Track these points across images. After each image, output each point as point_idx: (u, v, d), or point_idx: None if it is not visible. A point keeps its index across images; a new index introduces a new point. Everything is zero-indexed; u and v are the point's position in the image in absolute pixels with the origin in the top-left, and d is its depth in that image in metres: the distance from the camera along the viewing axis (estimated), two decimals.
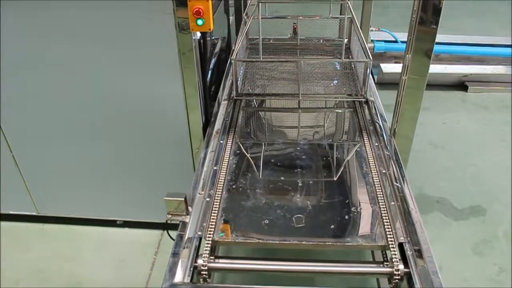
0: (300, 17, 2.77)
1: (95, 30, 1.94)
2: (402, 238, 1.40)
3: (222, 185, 1.67)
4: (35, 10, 1.90)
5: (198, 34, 1.96)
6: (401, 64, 1.81)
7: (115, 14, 1.90)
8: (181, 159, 2.26)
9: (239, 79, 2.32)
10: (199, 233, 1.43)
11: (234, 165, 1.81)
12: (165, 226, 1.59)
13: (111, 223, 2.65)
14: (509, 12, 6.10)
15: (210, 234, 1.43)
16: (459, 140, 3.52)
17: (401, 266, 1.32)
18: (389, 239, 1.41)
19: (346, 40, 2.76)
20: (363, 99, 2.20)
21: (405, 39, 1.75)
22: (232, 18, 2.96)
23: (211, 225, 1.47)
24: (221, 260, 1.40)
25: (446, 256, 2.48)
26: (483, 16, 6.08)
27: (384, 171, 1.72)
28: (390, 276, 1.34)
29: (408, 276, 1.30)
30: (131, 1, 1.85)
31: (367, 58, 2.12)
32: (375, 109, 2.11)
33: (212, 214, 1.52)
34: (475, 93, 4.23)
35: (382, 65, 4.30)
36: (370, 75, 2.19)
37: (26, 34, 1.98)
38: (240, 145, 1.95)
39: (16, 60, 2.05)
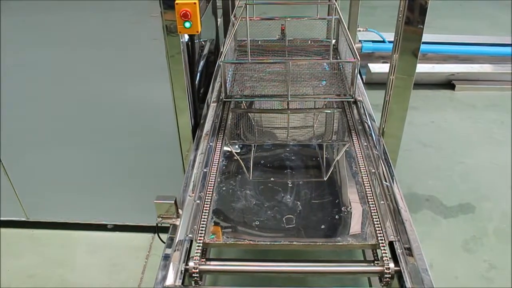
0: (288, 19, 2.78)
1: (81, 33, 1.94)
2: (392, 236, 1.41)
3: (212, 187, 1.67)
4: (25, 13, 1.90)
5: (186, 37, 1.96)
6: (389, 64, 1.82)
7: (101, 16, 1.89)
8: (171, 162, 2.26)
9: (228, 81, 2.32)
10: (190, 235, 1.42)
11: (224, 167, 1.81)
12: (156, 229, 1.58)
13: (102, 227, 2.64)
14: (496, 13, 6.18)
15: (201, 236, 1.43)
16: (447, 139, 3.55)
17: (392, 265, 1.33)
18: (379, 238, 1.42)
19: (334, 41, 2.78)
20: (352, 99, 2.22)
21: (393, 39, 1.76)
22: (220, 20, 2.96)
23: (202, 227, 1.47)
24: (212, 262, 1.40)
25: (436, 254, 2.50)
26: (469, 16, 6.15)
27: (373, 170, 1.73)
28: (381, 274, 1.35)
29: (399, 274, 1.31)
30: (118, 2, 1.85)
31: (354, 59, 2.13)
32: (364, 109, 2.12)
33: (203, 216, 1.52)
34: (462, 91, 4.27)
35: (370, 65, 4.33)
36: (358, 75, 2.20)
37: (13, 39, 1.96)
38: (230, 146, 1.95)
39: (4, 64, 2.04)
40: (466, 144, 3.48)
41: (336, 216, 1.54)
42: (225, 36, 2.89)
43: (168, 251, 1.38)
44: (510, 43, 4.50)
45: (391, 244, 1.39)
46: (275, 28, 2.84)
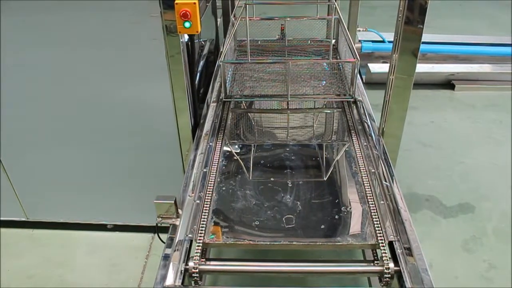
0: (288, 18, 2.78)
1: (81, 33, 1.94)
2: (392, 236, 1.41)
3: (212, 187, 1.67)
4: (25, 13, 1.90)
5: (186, 37, 1.96)
6: (389, 64, 1.83)
7: (101, 16, 1.90)
8: (171, 162, 2.26)
9: (227, 81, 2.32)
10: (190, 235, 1.42)
11: (223, 167, 1.81)
12: (156, 229, 1.58)
13: (102, 227, 2.64)
14: (496, 13, 6.18)
15: (200, 236, 1.43)
16: (447, 139, 3.55)
17: (391, 265, 1.33)
18: (379, 238, 1.42)
19: (333, 41, 2.77)
20: (352, 99, 2.22)
21: (393, 39, 1.76)
22: (220, 20, 2.96)
23: (202, 227, 1.47)
24: (212, 262, 1.40)
25: (436, 254, 2.50)
26: (469, 16, 6.15)
27: (373, 170, 1.73)
28: (380, 274, 1.35)
29: (399, 274, 1.31)
30: (118, 2, 1.85)
31: (354, 59, 2.13)
32: (364, 109, 2.12)
33: (203, 216, 1.52)
34: (462, 91, 4.27)
35: (370, 65, 4.33)
36: (358, 75, 2.20)
37: (13, 39, 1.96)
38: (230, 146, 1.95)
39: (4, 64, 2.04)
40: (466, 144, 3.48)
41: (336, 216, 1.54)
42: (224, 36, 2.89)
43: (168, 251, 1.38)
44: (510, 43, 4.50)
45: (390, 244, 1.39)
46: (274, 28, 2.84)
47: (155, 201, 1.47)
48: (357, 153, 1.87)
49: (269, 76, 2.44)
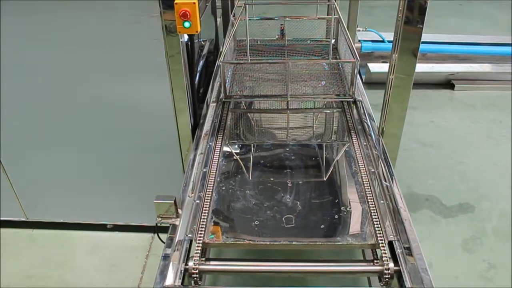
0: (287, 18, 2.78)
1: (81, 33, 1.94)
2: (391, 236, 1.41)
3: (211, 187, 1.67)
4: (25, 13, 1.89)
5: (186, 37, 1.96)
6: (388, 64, 1.82)
7: (101, 16, 1.90)
8: (171, 162, 2.26)
9: (227, 81, 2.32)
10: (190, 235, 1.42)
11: (223, 167, 1.81)
12: (156, 229, 1.58)
13: (101, 227, 2.64)
14: (496, 12, 6.19)
15: (200, 236, 1.43)
16: (446, 138, 3.55)
17: (391, 264, 1.33)
18: (379, 238, 1.42)
19: (333, 41, 2.78)
20: (351, 99, 2.22)
21: (392, 39, 1.76)
22: (219, 20, 2.96)
23: (202, 227, 1.47)
24: (212, 262, 1.40)
25: (436, 254, 2.50)
26: (469, 16, 6.15)
27: (373, 170, 1.73)
28: (380, 274, 1.35)
29: (398, 274, 1.31)
30: (118, 2, 1.85)
31: (354, 59, 2.13)
32: (363, 108, 2.12)
33: (202, 216, 1.52)
34: (462, 91, 4.28)
35: (370, 65, 4.33)
36: (358, 75, 2.20)
37: (13, 39, 1.96)
38: (229, 146, 1.95)
39: (4, 64, 2.04)
40: (466, 143, 3.48)
41: (336, 216, 1.54)
42: (224, 36, 2.89)
43: (168, 251, 1.38)
44: (509, 42, 4.50)
45: (390, 244, 1.39)
46: (274, 28, 2.84)
47: (155, 201, 1.47)
48: (357, 153, 1.87)
49: (268, 76, 2.44)
